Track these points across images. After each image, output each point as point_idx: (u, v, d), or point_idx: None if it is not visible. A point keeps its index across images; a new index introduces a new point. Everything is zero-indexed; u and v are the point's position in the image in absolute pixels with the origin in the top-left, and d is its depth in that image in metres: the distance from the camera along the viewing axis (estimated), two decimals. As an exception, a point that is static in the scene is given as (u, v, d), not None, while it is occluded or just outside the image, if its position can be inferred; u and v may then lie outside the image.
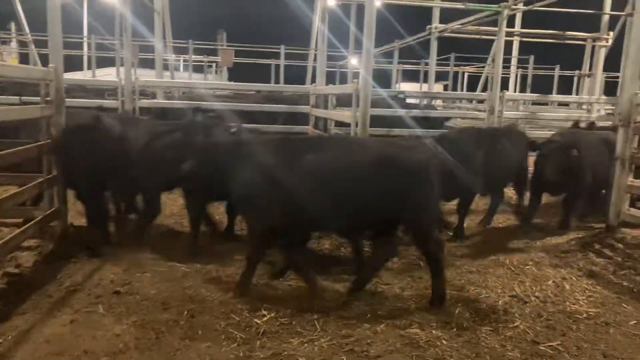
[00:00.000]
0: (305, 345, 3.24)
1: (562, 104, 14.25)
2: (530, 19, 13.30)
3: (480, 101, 14.27)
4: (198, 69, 20.98)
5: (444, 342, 3.33)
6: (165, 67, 14.04)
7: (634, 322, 3.68)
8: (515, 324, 3.60)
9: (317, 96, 7.67)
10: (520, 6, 8.31)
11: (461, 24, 9.48)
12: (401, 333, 3.43)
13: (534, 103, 14.67)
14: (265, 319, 3.56)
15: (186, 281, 4.18)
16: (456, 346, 3.28)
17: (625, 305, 3.99)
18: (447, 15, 10.95)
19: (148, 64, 17.47)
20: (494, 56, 16.16)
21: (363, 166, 3.80)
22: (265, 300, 3.83)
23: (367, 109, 5.11)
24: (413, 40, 10.88)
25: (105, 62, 20.35)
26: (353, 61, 12.92)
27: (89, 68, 18.32)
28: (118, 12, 10.65)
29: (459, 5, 8.18)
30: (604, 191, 6.20)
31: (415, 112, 7.37)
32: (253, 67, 21.09)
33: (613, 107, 10.09)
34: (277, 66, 19.58)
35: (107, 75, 18.62)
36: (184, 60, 21.86)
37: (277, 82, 19.15)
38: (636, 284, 4.44)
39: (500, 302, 3.99)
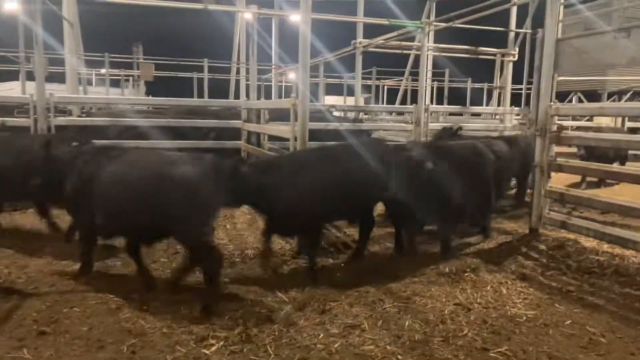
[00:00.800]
0: (261, 373, 3.09)
1: (474, 114, 15.16)
2: (440, 36, 14.11)
3: (400, 113, 14.86)
4: (113, 83, 19.96)
5: (399, 357, 3.32)
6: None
7: (569, 321, 3.90)
8: (464, 332, 3.68)
9: (248, 110, 7.52)
10: (440, 23, 8.71)
11: (385, 40, 9.77)
12: (356, 352, 3.38)
13: (450, 114, 15.50)
14: (214, 348, 3.36)
15: (121, 313, 3.86)
16: (412, 360, 3.28)
17: (557, 306, 4.22)
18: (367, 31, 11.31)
19: (55, 78, 16.34)
20: (410, 70, 17.11)
21: (137, 179, 4.08)
22: (209, 326, 3.63)
23: (306, 123, 5.07)
24: (339, 55, 11.07)
25: (4, 76, 18.85)
26: (291, 75, 12.85)
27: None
28: (22, 22, 9.86)
29: (384, 22, 8.42)
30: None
31: (348, 126, 7.45)
32: (171, 81, 20.43)
33: (520, 117, 10.84)
34: (199, 80, 19.13)
35: (9, 90, 17.19)
36: (96, 74, 20.77)
37: (200, 96, 18.67)
38: (563, 284, 4.73)
39: (446, 311, 4.07)
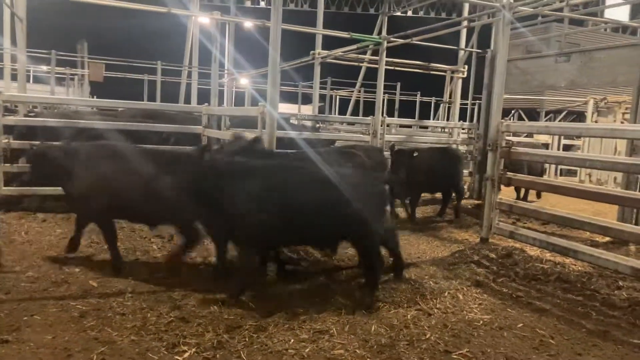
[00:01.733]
0: (236, 379, 3.12)
1: (422, 127, 15.78)
2: (393, 50, 14.68)
3: (350, 123, 15.21)
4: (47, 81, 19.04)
5: (368, 360, 3.45)
6: (14, 78, 12.56)
7: (521, 324, 4.18)
8: (427, 336, 3.87)
9: (209, 116, 7.49)
10: (398, 39, 9.05)
11: (344, 52, 10.02)
12: (327, 356, 3.48)
13: (401, 126, 16.03)
14: (186, 355, 3.36)
15: (86, 321, 3.76)
16: (381, 363, 3.42)
17: (510, 310, 4.52)
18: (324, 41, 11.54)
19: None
20: (361, 81, 17.57)
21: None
22: (178, 333, 3.63)
23: (274, 131, 5.15)
24: (297, 64, 11.21)
25: None
26: (243, 80, 12.83)
27: None
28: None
29: (345, 35, 8.65)
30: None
31: (308, 134, 7.57)
32: (117, 83, 19.80)
33: (465, 131, 11.41)
34: (149, 83, 18.70)
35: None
36: (34, 72, 19.76)
37: (150, 99, 18.23)
38: (513, 289, 5.06)
39: (408, 316, 4.25)
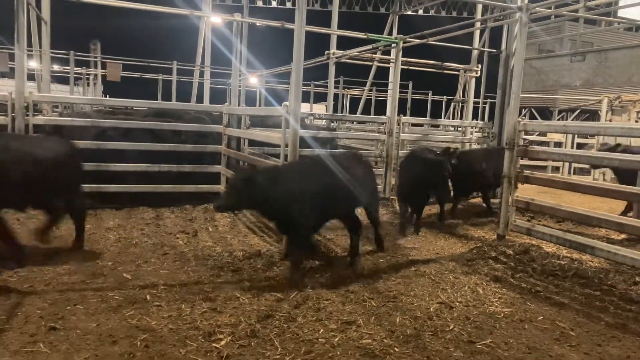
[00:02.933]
0: (272, 364, 3.29)
1: (434, 126, 15.87)
2: (404, 50, 14.78)
3: (361, 122, 15.35)
4: (63, 80, 19.36)
5: (396, 349, 3.60)
6: (31, 78, 12.84)
7: (541, 317, 4.31)
8: (450, 327, 4.01)
9: (230, 116, 7.67)
10: (414, 39, 9.18)
11: (359, 52, 10.16)
12: (356, 345, 3.64)
13: (414, 124, 16.14)
14: (223, 342, 3.53)
15: (124, 310, 3.95)
16: (408, 352, 3.57)
17: (529, 304, 4.65)
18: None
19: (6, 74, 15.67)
20: (372, 80, 17.69)
21: None
22: (213, 323, 3.80)
23: (298, 130, 5.31)
24: (312, 64, 11.36)
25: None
26: (252, 79, 13.00)
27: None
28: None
29: (361, 35, 8.79)
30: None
31: (326, 134, 7.73)
32: (131, 82, 20.07)
33: (477, 130, 11.50)
34: (164, 82, 18.97)
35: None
36: (52, 72, 20.04)
37: (165, 98, 18.49)
38: (531, 284, 5.18)
39: (431, 308, 4.40)
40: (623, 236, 6.98)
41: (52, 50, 14.23)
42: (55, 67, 18.51)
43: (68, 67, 16.88)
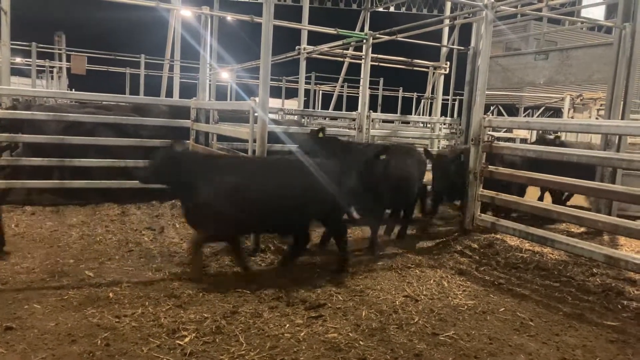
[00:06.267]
0: (237, 360, 3.27)
1: (404, 122, 16.02)
2: (375, 46, 14.86)
3: (333, 118, 15.38)
4: (26, 73, 18.72)
5: (361, 343, 3.63)
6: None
7: (503, 309, 4.42)
8: (415, 320, 4.07)
9: (198, 110, 7.57)
10: (383, 36, 9.23)
11: (329, 47, 10.16)
12: (322, 339, 3.65)
13: (384, 121, 16.27)
14: (187, 339, 3.49)
15: (85, 309, 3.86)
16: (372, 345, 3.60)
17: (492, 296, 4.76)
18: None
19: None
20: (344, 77, 17.74)
21: None
22: (177, 319, 3.76)
23: (266, 125, 5.27)
24: (283, 59, 11.30)
25: None
26: (224, 74, 12.86)
27: None
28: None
29: (331, 31, 8.79)
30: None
31: (295, 129, 7.70)
32: (96, 76, 19.57)
33: (447, 126, 11.67)
34: (132, 76, 18.57)
35: None
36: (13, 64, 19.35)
37: (133, 93, 18.10)
38: (495, 277, 5.31)
39: (397, 302, 4.45)
40: (582, 229, 7.21)
41: (13, 42, 13.77)
42: (18, 60, 17.90)
43: (30, 60, 16.34)
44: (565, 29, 14.12)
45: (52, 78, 21.15)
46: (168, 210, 7.49)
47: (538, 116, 19.57)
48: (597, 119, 12.70)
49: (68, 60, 18.15)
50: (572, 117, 13.12)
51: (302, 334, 3.70)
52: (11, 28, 8.78)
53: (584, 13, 16.09)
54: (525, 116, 19.33)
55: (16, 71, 18.49)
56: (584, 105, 13.54)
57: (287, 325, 3.83)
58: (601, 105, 13.79)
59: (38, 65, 16.30)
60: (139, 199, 7.68)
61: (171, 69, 18.20)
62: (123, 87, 19.58)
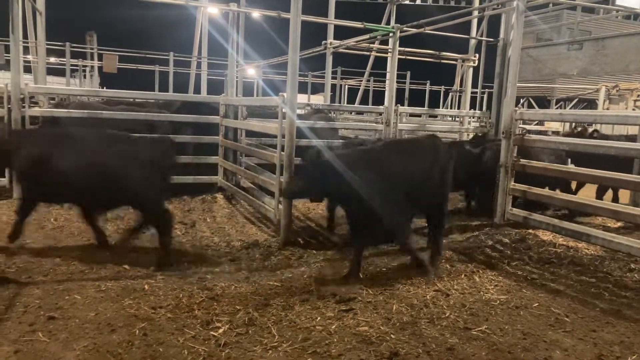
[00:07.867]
0: (270, 352, 3.32)
1: (431, 116, 15.85)
2: (402, 39, 14.70)
3: (359, 113, 15.32)
4: (59, 72, 19.25)
5: (392, 336, 3.63)
6: (27, 71, 12.79)
7: (536, 304, 4.35)
8: (446, 315, 4.04)
9: (226, 106, 7.66)
10: (410, 29, 9.14)
11: (356, 42, 10.12)
12: (353, 332, 3.67)
13: (412, 115, 16.12)
14: (221, 330, 3.56)
15: (123, 300, 3.98)
16: (404, 339, 3.60)
17: (525, 291, 4.68)
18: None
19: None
20: (370, 71, 17.64)
21: None
22: (211, 311, 3.84)
23: (294, 120, 5.31)
24: (309, 54, 11.32)
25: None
26: (250, 70, 12.97)
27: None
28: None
29: (358, 25, 8.76)
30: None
31: (323, 124, 7.71)
32: (126, 74, 19.96)
33: (476, 119, 11.48)
34: (161, 73, 18.91)
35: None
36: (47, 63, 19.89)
37: (162, 90, 18.43)
38: (527, 272, 5.22)
39: (427, 296, 4.43)
40: (619, 224, 7.02)
41: (48, 42, 14.19)
42: (52, 60, 18.44)
43: (64, 59, 16.80)
44: (600, 18, 13.70)
45: (84, 77, 21.71)
46: (199, 204, 7.61)
47: (571, 108, 19.07)
48: (634, 109, 12.29)
49: (99, 59, 18.60)
50: (607, 109, 12.72)
51: (334, 326, 3.73)
52: (47, 29, 9.05)
53: (619, 1, 15.57)
54: (557, 108, 18.85)
55: (50, 71, 19.09)
56: (620, 96, 13.10)
57: (319, 318, 3.86)
58: (638, 96, 13.35)
59: (71, 65, 16.74)
60: (171, 194, 7.83)
61: (199, 66, 18.46)
62: (152, 84, 19.95)
